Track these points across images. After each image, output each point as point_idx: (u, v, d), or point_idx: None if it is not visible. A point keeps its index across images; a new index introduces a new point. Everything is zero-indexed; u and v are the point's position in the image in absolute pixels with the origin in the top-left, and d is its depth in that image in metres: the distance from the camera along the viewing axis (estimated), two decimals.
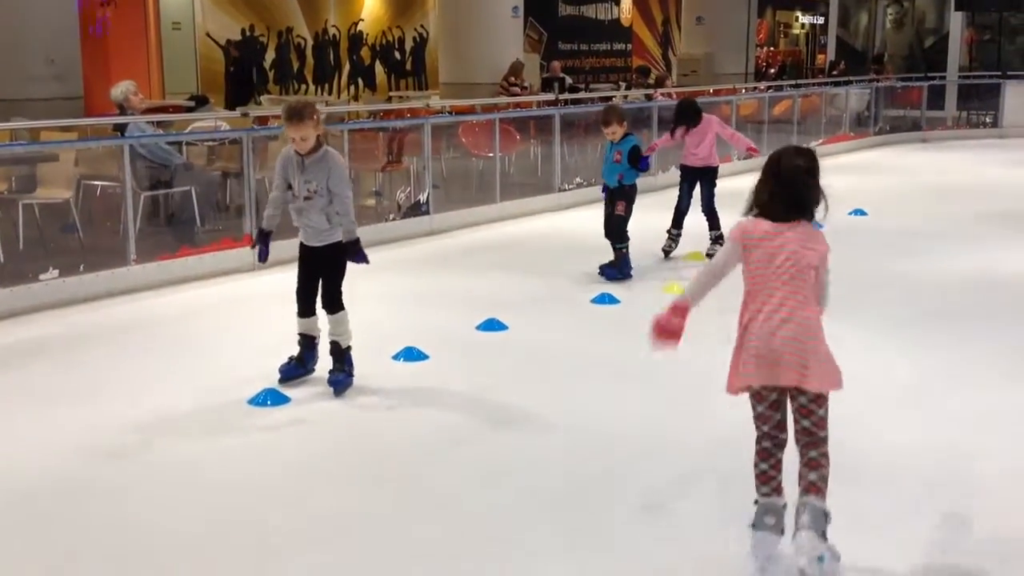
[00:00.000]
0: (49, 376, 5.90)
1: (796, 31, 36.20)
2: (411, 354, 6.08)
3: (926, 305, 7.40)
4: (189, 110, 11.50)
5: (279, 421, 5.15)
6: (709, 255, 8.80)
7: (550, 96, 15.74)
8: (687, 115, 8.95)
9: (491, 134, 11.53)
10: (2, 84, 12.33)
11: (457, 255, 9.38)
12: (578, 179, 12.02)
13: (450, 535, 3.96)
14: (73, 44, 13.55)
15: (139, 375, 5.87)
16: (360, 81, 23.07)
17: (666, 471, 4.51)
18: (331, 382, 5.51)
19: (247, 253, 8.36)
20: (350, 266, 5.53)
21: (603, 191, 8.33)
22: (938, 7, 29.07)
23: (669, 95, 16.13)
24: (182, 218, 9.06)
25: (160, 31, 19.39)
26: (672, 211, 8.98)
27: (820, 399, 3.60)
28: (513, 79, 17.40)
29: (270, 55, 21.01)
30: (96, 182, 9.52)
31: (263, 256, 5.66)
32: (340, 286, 5.55)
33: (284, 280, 5.60)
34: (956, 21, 25.59)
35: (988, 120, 21.11)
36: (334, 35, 22.42)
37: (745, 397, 3.71)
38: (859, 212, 10.77)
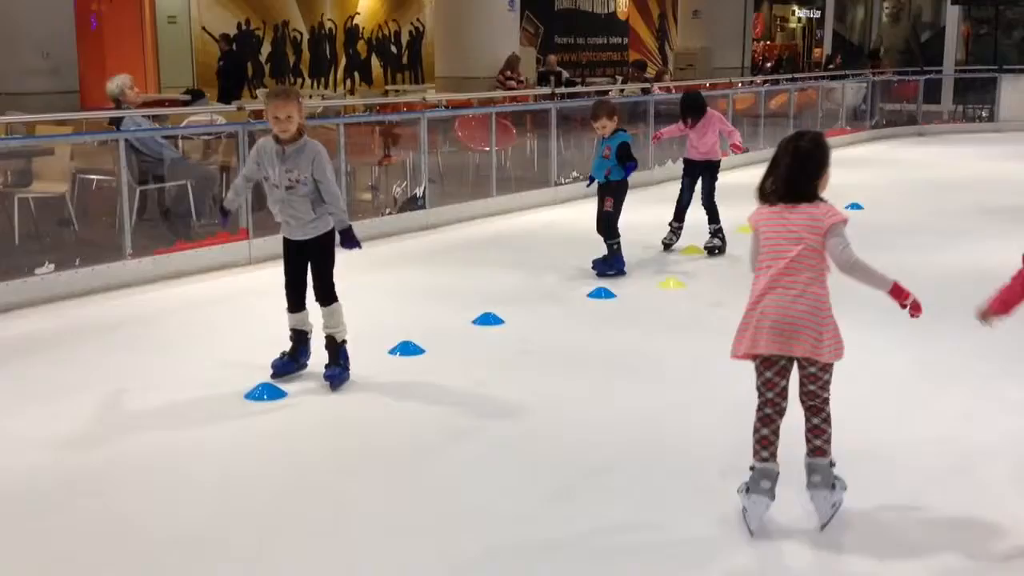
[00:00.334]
0: (44, 370, 5.89)
1: (792, 25, 36.25)
2: (407, 348, 6.08)
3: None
4: (185, 104, 11.48)
5: (275, 415, 5.15)
6: (707, 248, 8.82)
7: (546, 90, 15.73)
8: (693, 107, 8.91)
9: (487, 128, 11.49)
10: None
11: (453, 249, 9.38)
12: (575, 173, 12.01)
13: (446, 528, 3.97)
14: (69, 38, 13.55)
15: (134, 369, 5.86)
16: (356, 75, 23.07)
17: (662, 465, 4.52)
18: (327, 376, 5.50)
19: (243, 248, 8.37)
20: (346, 259, 5.52)
21: (588, 186, 8.32)
22: (934, 1, 29.09)
23: (668, 89, 16.12)
24: (177, 212, 9.05)
25: (156, 25, 19.38)
26: (672, 204, 8.98)
27: (828, 367, 3.80)
28: (509, 73, 17.40)
29: (266, 49, 21.02)
30: (92, 176, 9.52)
31: (225, 224, 6.29)
32: (331, 277, 5.52)
33: (280, 274, 5.60)
34: (952, 15, 25.64)
35: (984, 114, 21.11)
36: (330, 29, 22.41)
37: (743, 377, 3.75)
38: (855, 206, 10.76)
